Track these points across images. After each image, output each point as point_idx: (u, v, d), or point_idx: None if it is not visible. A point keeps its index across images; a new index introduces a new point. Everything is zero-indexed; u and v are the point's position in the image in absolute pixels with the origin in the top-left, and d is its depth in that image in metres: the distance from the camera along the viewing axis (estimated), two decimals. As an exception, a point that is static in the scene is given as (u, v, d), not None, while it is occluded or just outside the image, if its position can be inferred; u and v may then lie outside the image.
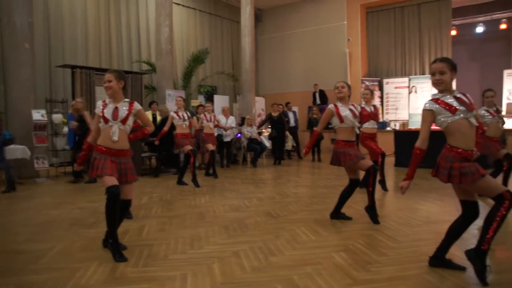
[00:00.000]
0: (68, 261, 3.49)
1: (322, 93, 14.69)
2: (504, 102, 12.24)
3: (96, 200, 6.23)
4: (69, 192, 7.13)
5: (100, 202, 5.94)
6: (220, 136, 10.58)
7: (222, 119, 10.56)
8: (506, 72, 12.69)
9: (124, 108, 3.68)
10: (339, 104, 4.65)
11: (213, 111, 8.77)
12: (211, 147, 8.40)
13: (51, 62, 10.74)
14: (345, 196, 4.77)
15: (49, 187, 7.72)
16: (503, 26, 14.03)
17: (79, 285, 2.97)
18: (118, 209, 3.52)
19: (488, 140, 5.67)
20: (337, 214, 4.83)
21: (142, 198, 6.38)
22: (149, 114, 10.09)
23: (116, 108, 3.65)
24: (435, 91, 3.09)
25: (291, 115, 12.83)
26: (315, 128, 4.79)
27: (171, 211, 5.53)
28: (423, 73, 14.22)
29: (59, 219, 5.05)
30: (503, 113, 5.95)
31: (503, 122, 5.79)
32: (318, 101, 14.67)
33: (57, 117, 9.15)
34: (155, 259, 3.52)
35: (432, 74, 3.03)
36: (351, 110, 4.63)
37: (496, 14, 14.34)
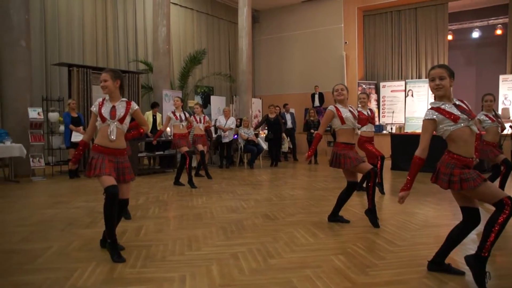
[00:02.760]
0: (65, 261, 3.46)
1: (321, 95, 14.72)
2: (500, 107, 12.31)
3: (92, 199, 6.20)
4: (65, 191, 7.09)
5: (96, 201, 5.94)
6: (219, 137, 10.58)
7: (222, 120, 10.57)
8: (501, 77, 12.77)
9: (122, 107, 3.67)
10: (339, 106, 4.65)
11: (202, 112, 8.70)
12: (201, 147, 8.35)
13: (47, 60, 10.68)
14: (343, 199, 4.76)
15: (45, 186, 7.67)
16: (498, 32, 14.12)
17: (77, 285, 2.94)
18: (116, 209, 3.50)
19: (487, 145, 5.69)
20: (334, 217, 4.83)
21: (139, 198, 6.36)
22: (149, 115, 10.07)
23: (113, 107, 3.64)
24: (431, 94, 3.09)
25: (288, 116, 12.83)
26: (316, 132, 4.77)
27: (168, 211, 5.51)
28: (420, 77, 14.29)
29: (55, 219, 5.02)
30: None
31: (503, 127, 5.81)
32: (317, 103, 14.69)
33: (54, 116, 9.12)
34: (153, 260, 3.50)
35: (432, 79, 3.02)
36: (350, 111, 4.65)
37: (492, 20, 14.44)
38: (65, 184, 7.90)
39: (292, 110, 13.61)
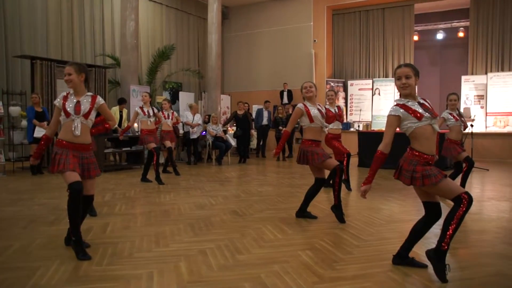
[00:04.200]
0: (27, 260, 3.36)
1: (289, 93, 14.81)
2: (462, 106, 12.72)
3: (57, 196, 6.04)
4: (27, 188, 6.86)
5: (60, 198, 5.78)
6: (187, 133, 10.49)
7: (189, 116, 10.47)
8: (463, 77, 13.20)
9: (87, 102, 3.59)
10: (307, 104, 4.70)
11: (171, 108, 8.60)
12: (168, 143, 8.27)
13: (7, 52, 10.26)
14: (310, 195, 4.82)
15: (6, 183, 7.40)
16: (461, 34, 14.56)
17: (40, 284, 2.85)
18: (80, 205, 3.41)
19: (450, 143, 5.89)
20: (302, 213, 4.88)
21: (105, 195, 6.23)
22: (116, 111, 9.88)
23: (78, 102, 3.55)
24: (398, 93, 3.17)
25: (266, 113, 12.75)
26: (285, 129, 4.81)
27: (135, 208, 5.42)
28: (387, 76, 14.59)
29: (17, 216, 4.85)
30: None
31: (466, 126, 6.02)
32: (286, 100, 14.77)
33: (15, 110, 8.80)
34: (120, 257, 3.44)
35: (398, 78, 3.09)
36: (318, 110, 4.70)
37: (455, 22, 14.88)
38: (27, 181, 7.66)
39: (260, 107, 13.59)
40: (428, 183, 2.92)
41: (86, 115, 3.55)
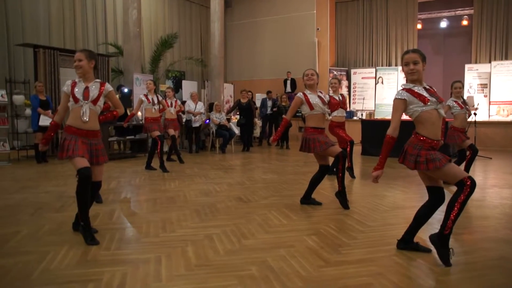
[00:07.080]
0: (37, 245, 3.40)
1: (293, 81, 14.79)
2: (465, 95, 12.67)
3: (62, 184, 6.09)
4: (32, 176, 6.91)
5: (66, 186, 5.84)
6: (189, 122, 10.49)
7: (190, 105, 10.47)
8: (467, 66, 13.15)
9: (95, 88, 3.61)
10: (307, 92, 4.70)
11: (174, 96, 8.60)
12: (172, 132, 8.29)
13: (10, 41, 10.24)
14: (315, 182, 4.84)
15: (11, 171, 7.46)
16: (464, 23, 14.47)
17: (50, 268, 2.90)
18: (89, 191, 3.45)
19: (454, 130, 5.90)
20: (307, 199, 4.91)
21: (111, 182, 6.27)
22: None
23: (87, 88, 3.57)
24: (401, 82, 3.18)
25: (269, 103, 12.74)
26: (284, 116, 4.84)
27: (140, 195, 5.47)
28: (390, 65, 14.52)
29: (23, 203, 4.90)
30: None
31: (470, 114, 6.03)
32: (289, 89, 14.75)
33: (19, 99, 8.83)
34: (127, 242, 3.49)
35: (406, 64, 3.10)
36: (319, 97, 4.70)
37: (459, 10, 14.77)
38: (33, 169, 7.71)
39: (262, 96, 13.56)
40: (432, 167, 2.93)
41: (95, 101, 3.57)
